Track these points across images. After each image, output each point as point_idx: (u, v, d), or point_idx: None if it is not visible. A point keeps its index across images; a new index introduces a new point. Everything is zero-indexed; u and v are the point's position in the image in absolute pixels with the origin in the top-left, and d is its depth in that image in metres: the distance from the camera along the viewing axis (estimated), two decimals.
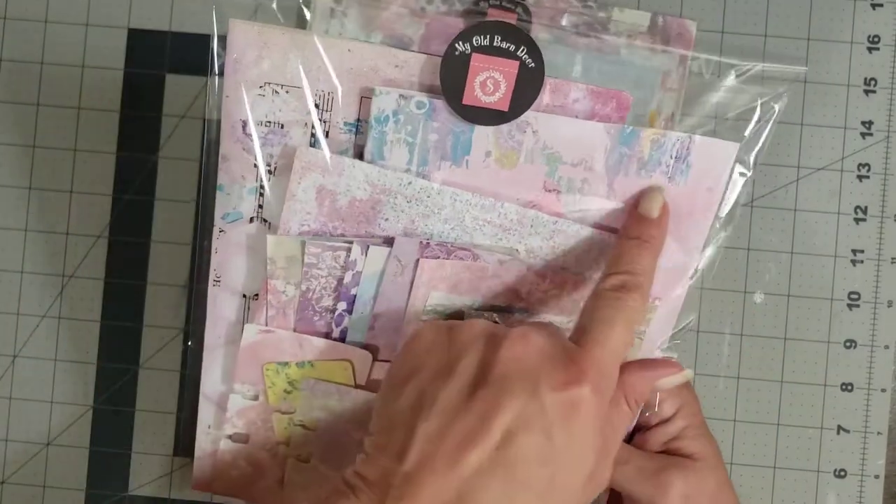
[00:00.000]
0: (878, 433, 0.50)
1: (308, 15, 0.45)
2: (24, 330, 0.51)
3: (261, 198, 0.43)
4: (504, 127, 0.41)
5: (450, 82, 0.41)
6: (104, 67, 0.51)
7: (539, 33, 0.43)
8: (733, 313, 0.50)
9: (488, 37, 0.40)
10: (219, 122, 0.42)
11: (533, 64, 0.40)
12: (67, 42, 0.51)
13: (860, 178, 0.50)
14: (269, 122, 0.42)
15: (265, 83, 0.42)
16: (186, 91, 0.51)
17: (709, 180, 0.42)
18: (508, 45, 0.40)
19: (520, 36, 0.40)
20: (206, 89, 0.42)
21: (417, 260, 0.42)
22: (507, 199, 0.42)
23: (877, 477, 0.50)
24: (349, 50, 0.41)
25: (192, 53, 0.51)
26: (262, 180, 0.43)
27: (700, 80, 0.44)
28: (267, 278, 0.43)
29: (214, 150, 0.43)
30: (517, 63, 0.40)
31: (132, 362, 0.51)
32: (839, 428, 0.50)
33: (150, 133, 0.51)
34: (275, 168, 0.43)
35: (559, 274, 0.43)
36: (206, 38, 0.51)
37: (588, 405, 0.34)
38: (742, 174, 0.43)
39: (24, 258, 0.51)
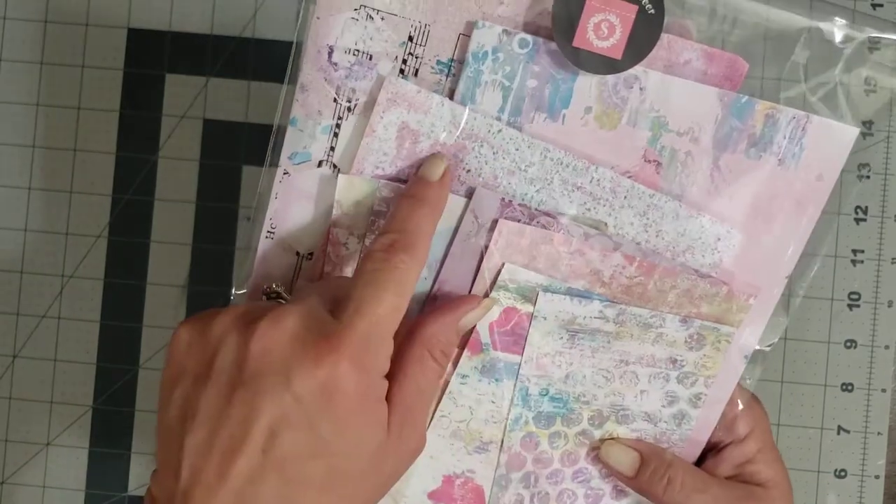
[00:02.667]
0: (878, 433, 0.50)
1: None
2: (24, 330, 0.51)
3: (334, 139, 0.39)
4: (610, 80, 0.38)
5: (562, 20, 0.37)
6: (104, 67, 0.51)
7: None
8: None
9: None
10: (301, 46, 0.39)
11: (653, 10, 0.37)
12: (67, 42, 0.51)
13: (860, 178, 0.50)
14: (358, 50, 0.39)
15: (361, 6, 0.38)
16: (186, 91, 0.51)
17: (821, 167, 0.39)
18: None
19: None
20: (300, 9, 0.39)
21: (495, 221, 0.38)
22: (602, 164, 0.39)
23: (877, 477, 0.50)
24: None
25: (192, 53, 0.51)
26: (338, 118, 0.39)
27: (822, 53, 0.39)
28: (330, 227, 0.39)
29: (294, 79, 0.40)
30: (636, 8, 0.37)
31: (132, 362, 0.51)
32: (839, 428, 0.50)
33: (149, 133, 0.51)
34: (355, 105, 0.39)
35: (649, 258, 0.39)
36: (206, 38, 0.51)
37: (348, 384, 0.32)
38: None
39: (24, 258, 0.51)
